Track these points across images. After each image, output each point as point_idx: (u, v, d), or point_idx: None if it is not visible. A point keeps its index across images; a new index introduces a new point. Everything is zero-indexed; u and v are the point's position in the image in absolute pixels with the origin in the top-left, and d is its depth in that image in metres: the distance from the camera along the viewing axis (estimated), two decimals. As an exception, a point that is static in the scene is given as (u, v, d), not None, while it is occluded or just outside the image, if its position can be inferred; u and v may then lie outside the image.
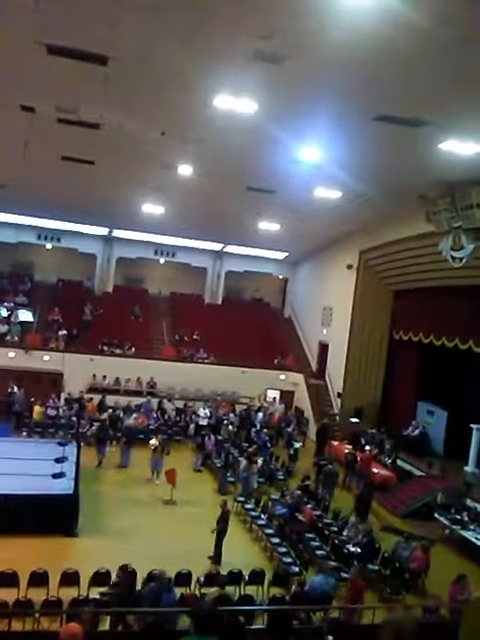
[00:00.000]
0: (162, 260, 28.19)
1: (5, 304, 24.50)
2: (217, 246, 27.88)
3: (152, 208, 20.47)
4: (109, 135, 13.79)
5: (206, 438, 19.08)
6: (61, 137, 14.43)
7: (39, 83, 11.48)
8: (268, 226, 21.78)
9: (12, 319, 23.84)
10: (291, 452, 18.97)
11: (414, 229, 17.46)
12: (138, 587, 9.55)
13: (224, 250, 28.23)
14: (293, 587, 9.78)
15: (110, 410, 20.76)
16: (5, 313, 24.10)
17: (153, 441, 16.58)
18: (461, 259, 15.19)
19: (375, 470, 17.61)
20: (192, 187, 17.27)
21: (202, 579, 10.26)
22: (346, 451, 18.86)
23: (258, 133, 12.25)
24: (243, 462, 16.49)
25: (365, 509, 15.13)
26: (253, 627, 8.05)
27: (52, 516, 12.12)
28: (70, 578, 9.49)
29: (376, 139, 12.19)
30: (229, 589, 9.65)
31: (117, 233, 26.72)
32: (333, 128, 11.68)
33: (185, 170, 15.89)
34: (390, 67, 8.86)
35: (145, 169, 16.46)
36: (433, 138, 11.55)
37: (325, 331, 25.55)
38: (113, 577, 9.77)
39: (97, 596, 9.15)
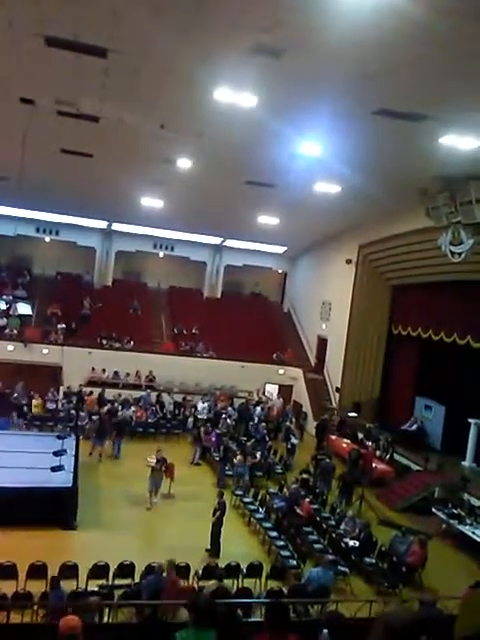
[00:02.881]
0: (161, 254, 28.16)
1: (4, 297, 24.45)
2: (216, 240, 27.84)
3: (151, 201, 20.43)
4: (108, 128, 13.73)
5: (204, 432, 19.16)
6: (60, 130, 14.37)
7: (38, 75, 11.43)
8: (267, 220, 21.75)
9: (11, 312, 23.83)
10: (289, 447, 19.03)
11: (413, 224, 17.46)
12: (136, 579, 9.65)
13: (223, 244, 28.20)
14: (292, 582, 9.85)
15: (109, 404, 20.82)
16: (4, 306, 24.06)
17: (151, 460, 14.76)
18: (460, 254, 15.19)
19: (374, 465, 17.66)
20: (191, 181, 17.23)
21: (200, 572, 10.31)
22: (346, 446, 18.92)
23: (258, 127, 12.19)
24: (238, 457, 16.57)
25: (350, 491, 15.47)
26: (251, 620, 8.12)
27: (51, 509, 12.18)
28: (69, 571, 9.53)
29: (376, 133, 12.16)
30: (227, 582, 9.70)
31: (116, 226, 26.67)
32: (333, 122, 11.64)
33: (184, 163, 15.85)
34: (390, 61, 8.82)
35: (144, 162, 16.41)
36: (433, 133, 11.52)
37: (324, 326, 25.57)
38: (111, 570, 9.85)
39: (96, 588, 9.22)
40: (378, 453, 18.65)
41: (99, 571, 9.81)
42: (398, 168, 14.26)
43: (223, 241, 27.87)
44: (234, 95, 10.57)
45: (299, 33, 8.31)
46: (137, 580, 9.64)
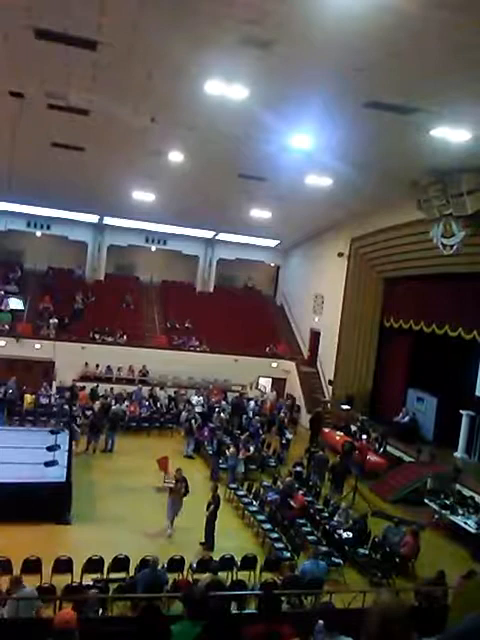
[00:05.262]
0: (153, 248, 28.08)
1: (-5, 292, 24.37)
2: (209, 234, 27.79)
3: (143, 195, 20.35)
4: (99, 121, 13.67)
5: (197, 426, 19.20)
6: (51, 123, 14.28)
7: (28, 68, 11.34)
8: (260, 214, 21.72)
9: (2, 307, 23.73)
10: (283, 441, 19.10)
11: (405, 217, 17.49)
12: (131, 573, 9.67)
13: (216, 238, 28.15)
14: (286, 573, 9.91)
15: (102, 398, 20.80)
16: (-5, 301, 23.98)
17: (169, 480, 13.21)
18: (451, 246, 15.25)
19: (368, 457, 17.75)
20: (183, 174, 17.18)
21: (195, 565, 10.35)
22: (339, 438, 19.00)
23: (249, 119, 12.17)
24: (231, 449, 16.62)
25: (341, 481, 15.66)
26: (245, 611, 8.17)
27: (45, 504, 12.15)
28: (63, 565, 9.54)
29: (366, 126, 12.14)
30: (221, 575, 9.75)
31: (108, 220, 26.55)
32: (324, 115, 11.63)
33: (176, 157, 15.79)
34: (380, 52, 8.80)
35: (135, 156, 16.34)
36: (424, 125, 11.52)
37: (316, 319, 25.62)
38: (106, 564, 9.87)
39: (90, 582, 9.24)
40: (374, 443, 18.71)
41: (94, 565, 9.82)
42: (389, 160, 14.28)
43: (216, 235, 27.82)
44: (225, 87, 10.54)
45: (287, 24, 8.28)
46: (132, 574, 9.66)
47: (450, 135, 11.75)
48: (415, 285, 20.02)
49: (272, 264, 30.42)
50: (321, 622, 4.80)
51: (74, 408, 19.20)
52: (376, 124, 11.90)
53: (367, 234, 21.02)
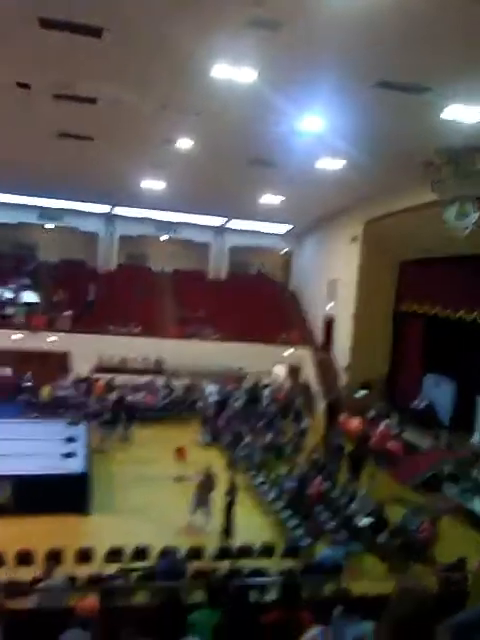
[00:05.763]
0: (164, 237, 28.03)
1: (9, 286, 24.50)
2: (219, 221, 27.66)
3: (152, 184, 20.26)
4: (106, 110, 13.55)
5: (213, 414, 19.23)
6: (58, 113, 14.18)
7: (33, 58, 11.24)
8: (271, 199, 21.53)
9: (17, 301, 23.86)
10: (299, 429, 19.06)
11: (418, 199, 17.21)
12: (152, 562, 9.72)
13: (227, 225, 28.02)
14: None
15: (118, 389, 20.90)
16: (10, 295, 24.12)
17: (194, 474, 12.99)
18: (466, 227, 14.99)
19: (386, 443, 17.63)
20: (192, 161, 17.03)
21: (214, 553, 10.37)
22: (356, 425, 18.91)
23: (258, 103, 11.99)
24: (248, 438, 16.62)
25: (358, 469, 15.50)
26: (265, 599, 8.17)
27: (65, 495, 12.22)
28: (85, 555, 9.61)
29: (378, 106, 11.92)
30: (240, 563, 9.76)
31: (118, 210, 26.53)
32: (334, 96, 11.42)
33: (185, 144, 15.65)
34: (391, 30, 8.61)
35: (144, 144, 16.23)
36: (436, 104, 11.29)
37: (330, 305, 25.45)
38: (127, 553, 9.93)
39: (112, 572, 9.29)
40: (391, 431, 18.59)
41: (115, 554, 9.89)
42: (401, 141, 14.02)
43: (226, 222, 27.69)
44: (233, 70, 10.38)
45: (293, 4, 8.10)
46: (152, 563, 9.70)
47: (463, 114, 11.50)
48: (430, 268, 19.76)
49: (284, 250, 30.24)
50: (340, 608, 4.75)
51: (90, 399, 19.37)
52: (387, 105, 11.68)
53: (380, 217, 20.76)
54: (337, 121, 12.95)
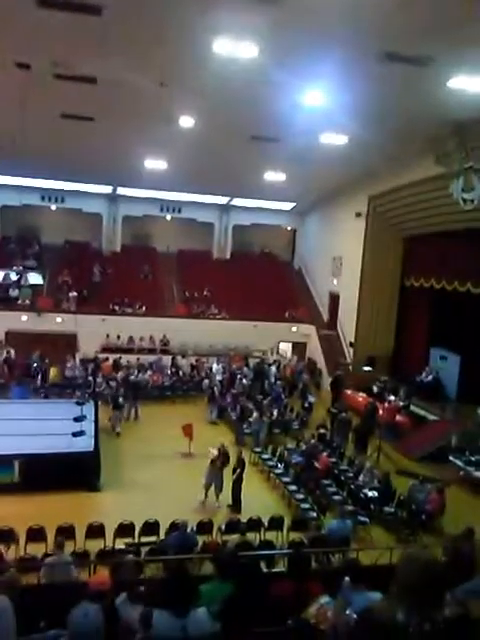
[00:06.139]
0: (168, 217, 27.92)
1: (14, 268, 24.54)
2: (223, 200, 27.48)
3: (155, 163, 20.11)
4: (107, 89, 13.44)
5: (219, 392, 19.39)
6: (59, 94, 14.08)
7: (32, 38, 11.13)
8: (274, 176, 21.36)
9: (22, 282, 23.93)
10: (306, 405, 19.20)
11: (423, 172, 17.05)
12: (161, 537, 9.91)
13: (230, 203, 27.84)
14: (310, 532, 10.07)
15: (125, 369, 21.06)
16: (15, 277, 24.19)
17: (213, 450, 13.08)
18: (472, 201, 14.87)
19: (393, 417, 17.75)
20: (194, 139, 16.89)
21: (223, 527, 10.55)
22: (362, 400, 19.02)
23: (260, 79, 11.86)
24: (254, 414, 16.77)
25: (364, 441, 15.71)
26: (274, 570, 8.35)
27: (75, 473, 12.43)
28: (96, 531, 9.80)
29: (381, 79, 11.77)
30: (249, 536, 9.93)
31: (121, 191, 26.37)
32: (336, 70, 11.25)
33: (186, 122, 15.52)
34: (395, 1, 8.46)
35: (146, 123, 16.09)
36: (441, 75, 11.15)
37: (335, 281, 25.40)
38: (137, 528, 10.12)
39: (122, 546, 9.49)
40: (401, 403, 18.68)
41: (125, 530, 10.09)
42: (406, 115, 13.86)
43: (230, 200, 27.51)
44: (234, 46, 10.26)
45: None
46: (162, 537, 9.89)
47: (469, 85, 11.35)
48: (435, 242, 19.64)
49: (288, 228, 30.09)
50: (347, 578, 4.86)
51: (98, 379, 19.53)
52: (391, 77, 11.54)
53: (385, 192, 20.59)
54: (340, 95, 12.80)
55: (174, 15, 9.49)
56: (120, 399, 17.24)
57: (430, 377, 19.95)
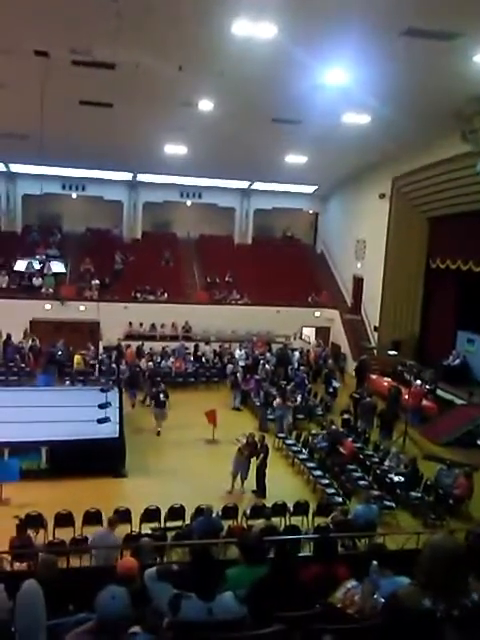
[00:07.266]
0: (189, 202, 27.82)
1: (37, 257, 24.72)
2: (244, 184, 27.26)
3: (175, 148, 20.01)
4: (126, 75, 13.33)
5: (242, 378, 19.37)
6: (78, 81, 14.04)
7: (50, 26, 11.08)
8: (295, 159, 21.09)
9: (45, 271, 24.09)
10: (331, 390, 19.08)
11: (449, 151, 16.66)
12: (187, 522, 9.96)
13: (251, 188, 27.61)
14: (333, 514, 10.00)
15: (148, 356, 21.17)
16: (38, 266, 24.35)
17: (242, 439, 13.00)
18: (500, 179, 14.49)
19: (419, 401, 17.52)
20: (214, 123, 16.71)
21: (248, 512, 10.57)
22: (387, 384, 18.83)
23: (279, 59, 11.65)
24: (278, 400, 16.71)
25: (389, 426, 15.61)
26: (300, 554, 8.33)
27: (101, 459, 12.58)
28: (122, 515, 9.87)
29: (405, 56, 11.42)
30: (275, 520, 9.93)
31: (141, 177, 26.32)
32: (358, 47, 10.98)
33: (206, 106, 15.37)
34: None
35: (165, 108, 15.98)
36: (467, 50, 10.83)
37: (359, 265, 25.09)
38: (162, 513, 10.19)
39: (148, 531, 9.56)
40: (427, 387, 18.43)
41: (151, 515, 10.17)
42: (430, 91, 13.49)
43: (251, 185, 27.28)
44: (253, 26, 10.07)
45: None
46: (188, 522, 9.95)
47: (496, 59, 10.98)
48: (461, 223, 19.20)
49: (310, 211, 29.76)
50: (375, 563, 4.80)
51: (121, 366, 19.67)
52: (415, 53, 11.21)
53: (409, 172, 20.16)
54: (362, 73, 12.49)
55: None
56: (161, 395, 16.56)
57: (457, 361, 19.65)
